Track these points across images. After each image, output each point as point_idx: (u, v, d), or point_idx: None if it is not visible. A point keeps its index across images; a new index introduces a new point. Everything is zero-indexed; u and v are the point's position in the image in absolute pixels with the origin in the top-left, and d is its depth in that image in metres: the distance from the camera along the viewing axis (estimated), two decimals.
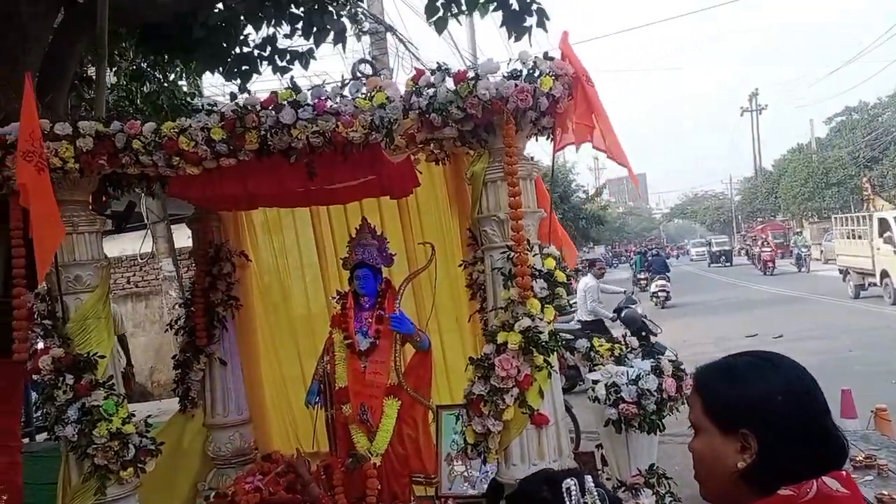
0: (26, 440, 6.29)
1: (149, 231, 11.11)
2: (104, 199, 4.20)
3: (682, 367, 3.20)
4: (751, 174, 54.95)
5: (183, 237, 12.01)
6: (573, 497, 0.98)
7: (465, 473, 4.30)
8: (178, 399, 5.02)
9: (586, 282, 9.63)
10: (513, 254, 3.14)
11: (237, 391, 4.95)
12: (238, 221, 5.22)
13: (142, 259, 12.85)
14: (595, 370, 3.51)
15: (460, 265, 4.56)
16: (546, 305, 3.08)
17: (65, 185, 3.59)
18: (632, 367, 3.22)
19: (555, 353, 3.08)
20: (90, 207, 3.86)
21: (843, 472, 1.21)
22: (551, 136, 3.42)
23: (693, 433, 1.33)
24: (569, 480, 0.98)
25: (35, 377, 3.61)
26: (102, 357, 3.67)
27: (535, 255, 3.18)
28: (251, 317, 5.25)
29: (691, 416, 1.33)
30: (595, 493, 1.00)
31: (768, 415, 1.21)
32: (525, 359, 3.05)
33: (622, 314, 9.49)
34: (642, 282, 24.47)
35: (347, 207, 5.13)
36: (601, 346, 3.82)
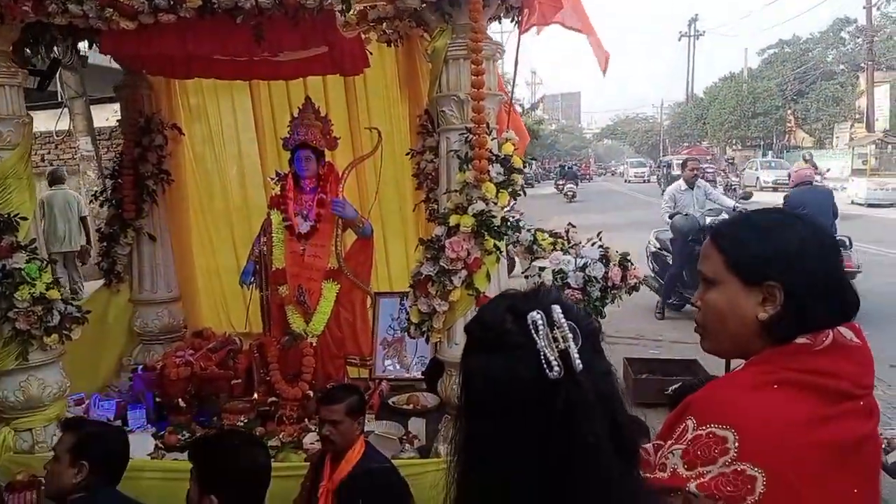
0: None
1: (66, 107, 10.41)
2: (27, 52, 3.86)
3: (629, 257, 3.25)
4: (683, 100, 55.79)
5: (101, 117, 11.34)
6: (540, 331, 0.86)
7: (400, 357, 4.37)
8: (99, 281, 4.84)
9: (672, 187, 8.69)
10: (471, 136, 3.06)
11: (167, 268, 4.81)
12: (171, 91, 4.92)
13: (58, 136, 12.09)
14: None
15: (408, 153, 4.46)
16: (501, 190, 3.04)
17: None
18: (580, 256, 3.25)
19: (505, 238, 3.06)
20: (11, 59, 3.54)
21: (856, 324, 1.24)
22: (516, 18, 3.30)
23: (703, 287, 1.32)
24: (534, 314, 0.87)
25: None
26: (24, 219, 3.46)
27: (494, 139, 3.11)
28: (183, 194, 5.03)
29: (706, 269, 1.31)
30: (565, 327, 0.87)
31: (797, 267, 1.21)
32: (476, 242, 3.02)
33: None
34: (559, 185, 31.58)
35: (290, 87, 4.90)
36: (544, 239, 3.84)
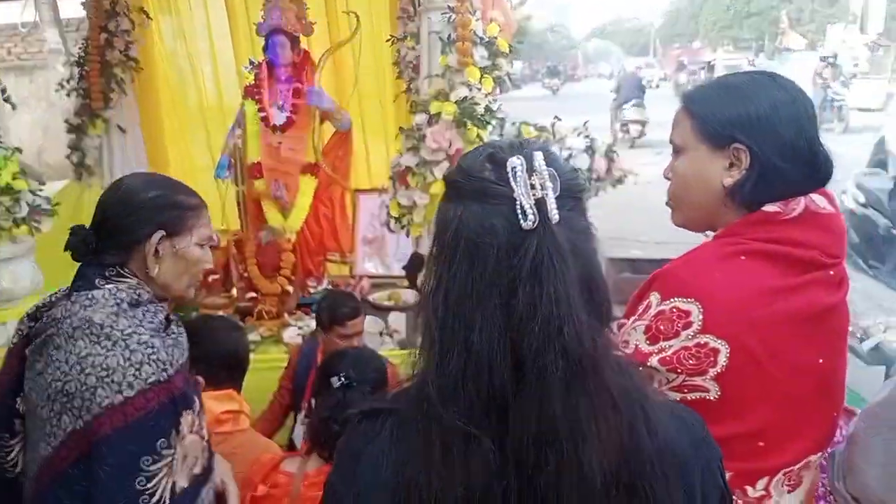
0: None
1: None
2: None
3: (614, 148, 3.16)
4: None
5: (69, 7, 10.78)
6: (518, 178, 0.81)
7: (381, 254, 4.31)
8: (72, 176, 4.67)
9: None
10: (454, 15, 2.87)
11: (139, 162, 4.63)
12: None
13: (23, 28, 11.49)
14: None
15: (388, 40, 4.24)
16: (485, 75, 2.89)
17: None
18: (565, 147, 3.15)
19: (489, 126, 2.94)
20: None
21: (829, 191, 1.19)
22: None
23: (673, 157, 1.27)
24: (514, 159, 0.81)
25: None
26: None
27: (478, 19, 2.93)
28: (154, 87, 4.82)
29: (674, 137, 1.25)
30: (545, 174, 0.81)
31: (765, 130, 1.15)
32: (458, 131, 2.90)
33: None
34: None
35: None
36: (529, 133, 3.72)
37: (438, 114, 2.88)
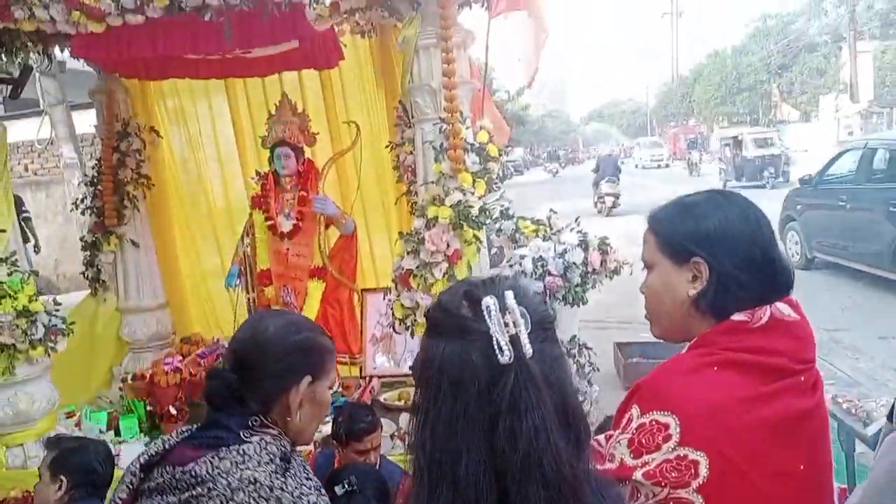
0: None
1: (46, 115, 10.31)
2: None
3: (608, 241, 3.25)
4: (668, 79, 55.74)
5: (84, 123, 11.24)
6: (492, 316, 0.88)
7: (390, 353, 4.35)
8: (87, 291, 4.80)
9: None
10: (445, 126, 3.04)
11: (152, 275, 4.77)
12: (147, 94, 4.88)
13: (40, 145, 11.99)
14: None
15: (387, 146, 4.43)
16: (477, 179, 3.03)
17: None
18: (560, 242, 3.25)
19: (484, 227, 3.05)
20: None
21: (793, 299, 1.25)
22: (485, 4, 3.27)
23: (645, 274, 1.35)
24: (487, 299, 0.88)
25: None
26: (2, 231, 3.44)
27: (468, 127, 3.10)
28: (165, 199, 5.00)
29: (644, 254, 1.34)
30: (517, 312, 0.89)
31: (719, 242, 1.23)
32: (455, 233, 3.01)
33: None
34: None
35: (266, 83, 4.86)
36: (526, 227, 3.83)
37: (435, 217, 3.01)
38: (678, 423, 1.14)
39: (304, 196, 4.24)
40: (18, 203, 8.21)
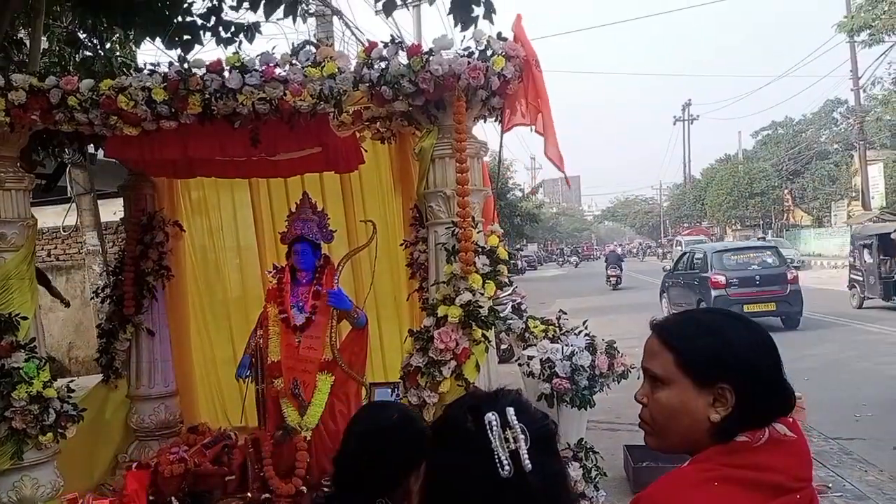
0: None
1: (74, 203, 10.67)
2: (34, 159, 4.04)
3: (616, 345, 3.30)
4: (680, 181, 56.72)
5: (109, 212, 11.61)
6: (494, 431, 0.93)
7: None
8: (97, 376, 4.87)
9: None
10: (457, 229, 3.16)
11: (164, 363, 4.84)
12: (173, 190, 5.09)
13: (64, 232, 12.33)
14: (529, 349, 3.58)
15: (401, 244, 4.57)
16: (487, 281, 3.13)
17: None
18: (567, 345, 3.30)
19: (493, 327, 3.12)
20: (18, 165, 3.71)
21: (790, 419, 1.27)
22: (499, 118, 3.47)
23: (649, 384, 1.34)
24: (490, 415, 0.93)
25: None
26: (25, 318, 3.54)
27: (479, 231, 3.22)
28: (182, 289, 5.13)
29: (654, 368, 1.32)
30: (517, 428, 0.93)
31: (748, 370, 1.24)
32: (464, 332, 3.08)
33: None
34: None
35: (288, 182, 5.06)
36: (535, 326, 3.90)
37: (445, 316, 3.09)
38: None
39: (319, 291, 4.35)
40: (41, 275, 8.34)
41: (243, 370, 4.46)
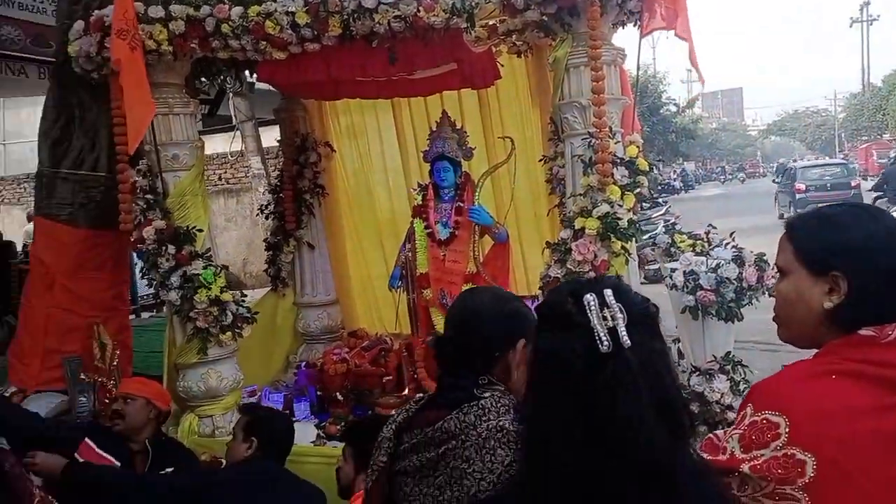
0: (132, 316, 6.82)
1: (237, 130, 11.47)
2: (197, 86, 4.38)
3: (766, 258, 3.17)
4: (857, 90, 51.04)
5: (270, 137, 12.36)
6: (592, 311, 0.98)
7: None
8: (270, 285, 5.35)
9: None
10: (593, 140, 3.13)
11: (325, 274, 5.25)
12: (322, 112, 5.36)
13: (231, 157, 13.31)
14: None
15: (540, 160, 4.57)
16: (626, 193, 3.09)
17: (160, 67, 3.77)
18: (713, 257, 3.21)
19: (633, 240, 3.10)
20: (184, 91, 4.05)
21: None
22: (638, 23, 3.33)
23: (778, 278, 1.38)
24: (588, 296, 0.98)
25: (140, 247, 3.91)
26: (200, 231, 3.94)
27: (617, 142, 3.17)
28: (337, 206, 5.47)
29: (779, 260, 1.36)
30: (615, 307, 0.97)
31: (862, 259, 1.23)
32: (602, 244, 3.09)
33: None
34: None
35: (428, 101, 5.16)
36: (682, 241, 3.81)
37: (582, 228, 3.11)
38: (787, 424, 1.19)
39: (461, 206, 4.48)
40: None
41: (395, 281, 4.73)
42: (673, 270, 3.39)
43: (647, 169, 3.17)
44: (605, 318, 0.99)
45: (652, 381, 0.98)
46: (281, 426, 2.94)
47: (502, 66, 4.22)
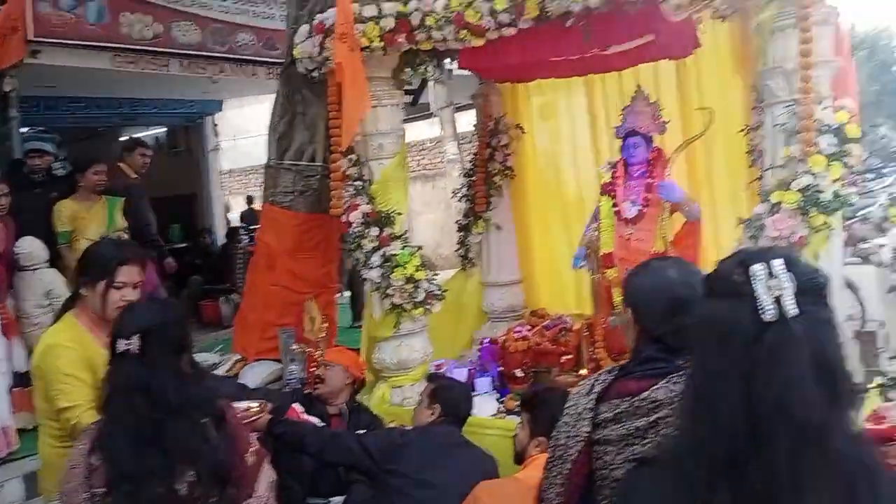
0: None
1: (436, 116, 11.91)
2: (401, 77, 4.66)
3: None
4: None
5: (464, 122, 12.72)
6: (759, 279, 0.98)
7: None
8: (459, 266, 5.57)
9: None
10: (797, 107, 2.90)
11: (510, 254, 5.36)
12: (516, 94, 5.43)
13: (430, 143, 13.87)
14: None
15: (740, 130, 4.30)
16: (833, 162, 2.83)
17: (371, 62, 4.06)
18: None
19: (838, 213, 2.84)
20: (391, 83, 4.32)
21: None
22: None
23: None
24: (756, 266, 0.97)
25: (347, 230, 4.24)
26: (400, 214, 4.21)
27: (825, 108, 2.90)
28: (525, 187, 5.53)
29: None
30: (783, 277, 0.98)
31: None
32: (802, 219, 2.86)
33: None
34: None
35: (622, 78, 5.03)
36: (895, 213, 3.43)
37: (779, 202, 2.89)
38: None
39: (651, 183, 4.34)
40: None
41: (578, 261, 4.70)
42: (880, 246, 3.09)
43: (858, 136, 2.87)
44: (770, 288, 0.99)
45: (815, 349, 0.97)
46: (460, 395, 3.16)
47: (703, 32, 4.02)
